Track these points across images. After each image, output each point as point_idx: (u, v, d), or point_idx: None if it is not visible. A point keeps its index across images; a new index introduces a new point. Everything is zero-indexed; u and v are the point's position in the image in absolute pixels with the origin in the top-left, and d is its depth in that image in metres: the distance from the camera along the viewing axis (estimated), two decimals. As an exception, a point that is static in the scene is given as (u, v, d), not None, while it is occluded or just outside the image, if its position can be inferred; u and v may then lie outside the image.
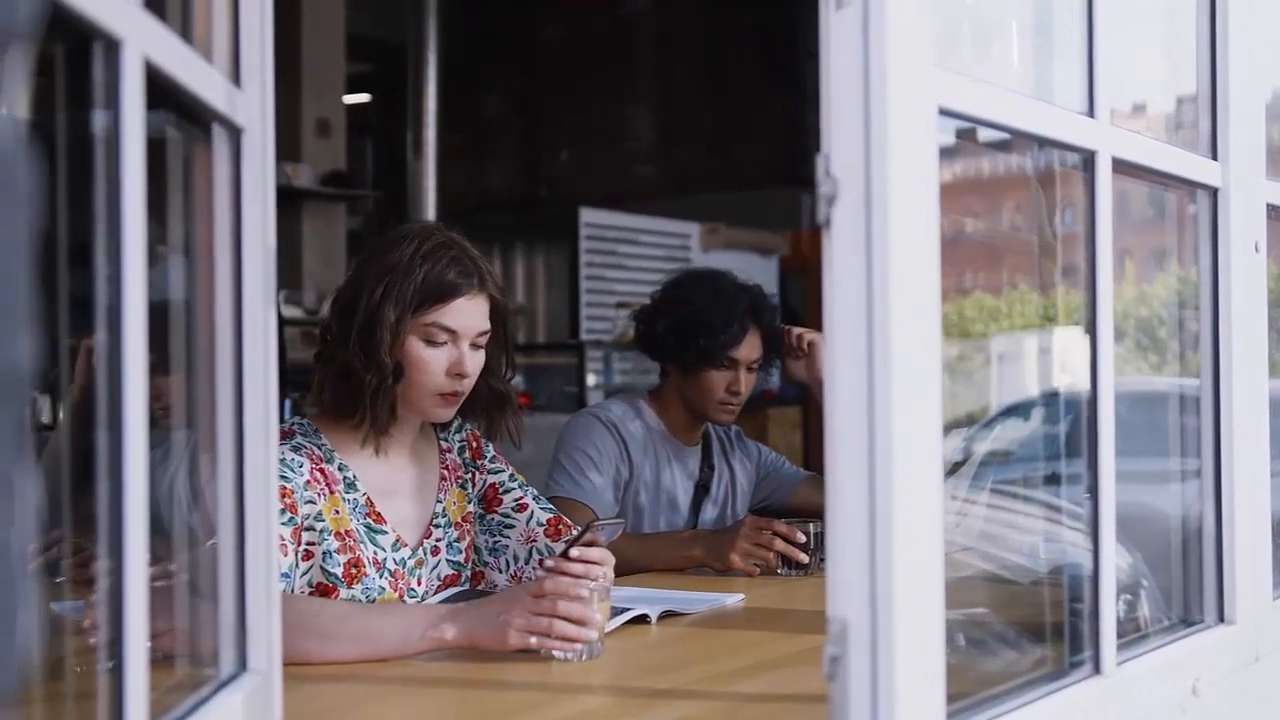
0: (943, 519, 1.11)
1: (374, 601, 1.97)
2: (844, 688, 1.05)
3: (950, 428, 1.72)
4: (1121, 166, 1.44)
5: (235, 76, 1.18)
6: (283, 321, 6.01)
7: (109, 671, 0.89)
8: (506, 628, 1.70)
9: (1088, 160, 1.39)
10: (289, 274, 6.64)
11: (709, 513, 2.95)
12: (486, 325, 2.03)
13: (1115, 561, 1.52)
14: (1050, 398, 1.81)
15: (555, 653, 1.71)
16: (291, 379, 5.49)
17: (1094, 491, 1.39)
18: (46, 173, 0.93)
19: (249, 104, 1.19)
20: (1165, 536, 1.78)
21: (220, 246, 1.18)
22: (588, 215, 7.91)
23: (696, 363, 2.80)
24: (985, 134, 1.40)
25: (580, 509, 2.65)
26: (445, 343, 2.00)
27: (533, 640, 1.70)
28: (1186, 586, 1.69)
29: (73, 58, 0.91)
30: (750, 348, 2.82)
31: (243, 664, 1.18)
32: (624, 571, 2.52)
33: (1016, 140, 1.47)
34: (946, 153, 1.37)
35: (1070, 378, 1.63)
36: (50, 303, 0.98)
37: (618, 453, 2.81)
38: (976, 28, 1.58)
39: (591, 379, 7.01)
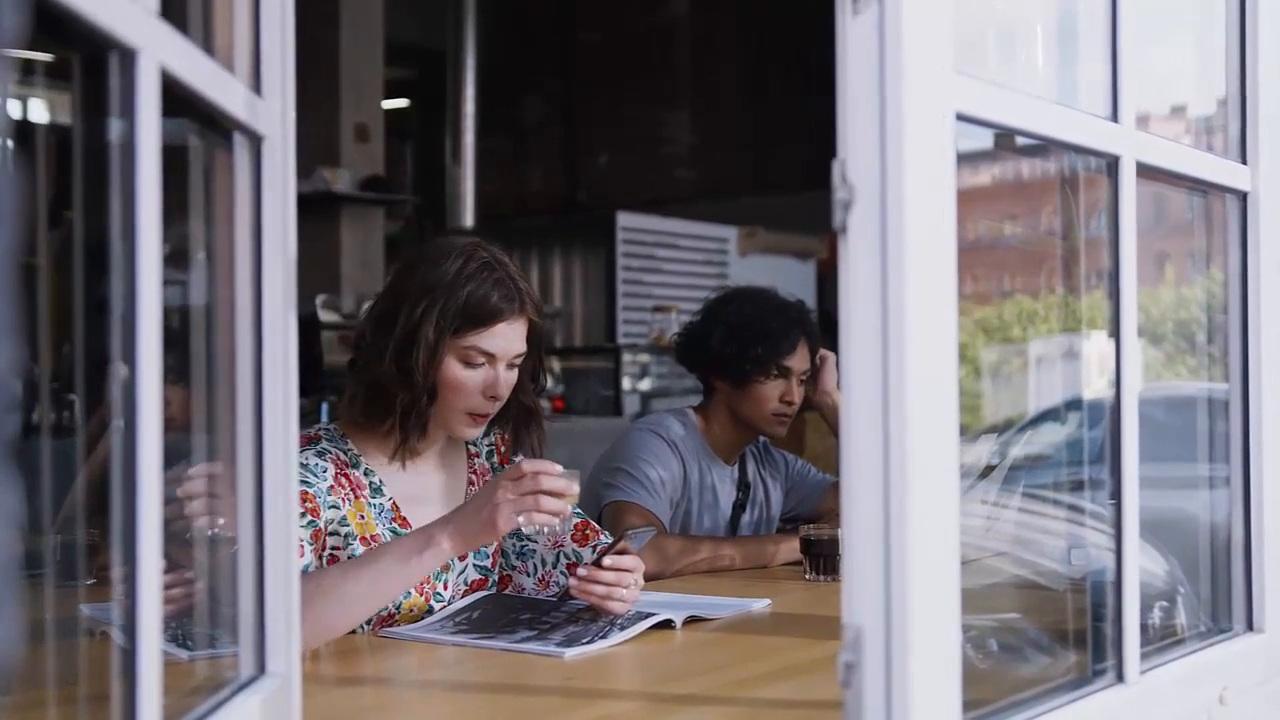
0: (959, 525, 1.10)
1: (398, 604, 1.98)
2: (859, 695, 1.04)
3: (986, 431, 1.71)
4: (1146, 171, 1.42)
5: (256, 85, 1.19)
6: (321, 325, 6.07)
7: (123, 675, 0.90)
8: (496, 512, 1.80)
9: (1111, 165, 1.38)
10: (327, 279, 6.69)
11: (745, 529, 2.95)
12: (524, 347, 2.04)
13: (1149, 568, 1.51)
14: (1086, 402, 1.79)
15: (533, 528, 1.83)
16: (328, 382, 5.54)
17: (1117, 496, 1.38)
18: (62, 182, 0.95)
19: (270, 112, 1.20)
20: (1196, 543, 1.77)
21: (241, 253, 1.19)
22: (625, 219, 7.93)
23: (752, 373, 2.80)
24: (1020, 138, 1.39)
25: (644, 513, 2.67)
26: (483, 364, 2.00)
27: (520, 518, 1.80)
28: (1215, 594, 1.68)
29: (90, 68, 0.92)
30: (802, 357, 2.85)
31: (261, 667, 1.18)
32: (665, 572, 2.54)
33: (1051, 145, 1.46)
34: (985, 156, 1.37)
35: (1105, 382, 1.62)
36: (70, 307, 1.00)
37: (681, 474, 2.82)
38: (1002, 33, 1.57)
39: (628, 382, 7.02)
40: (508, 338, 2.00)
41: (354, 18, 7.02)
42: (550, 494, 1.81)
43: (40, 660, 1.05)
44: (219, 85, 1.08)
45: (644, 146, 9.57)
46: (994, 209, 1.64)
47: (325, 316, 6.14)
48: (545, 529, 1.84)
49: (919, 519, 1.04)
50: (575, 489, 1.86)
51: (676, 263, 8.02)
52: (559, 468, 1.85)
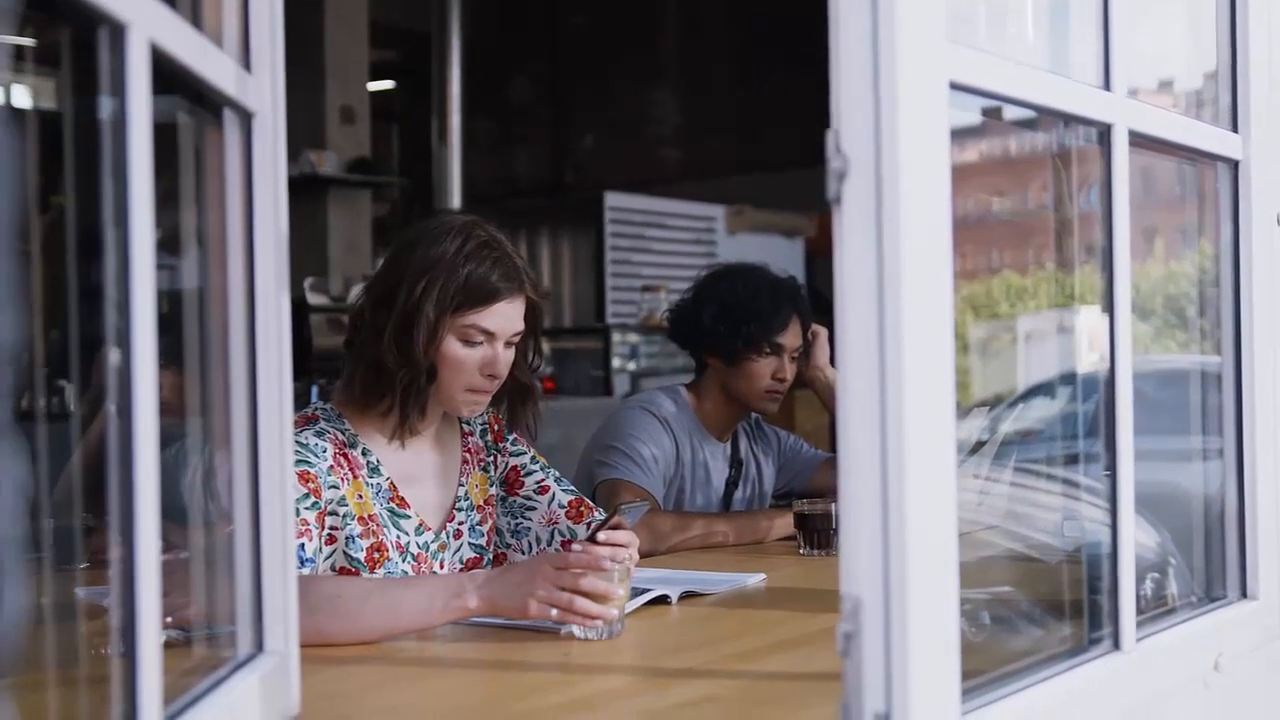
0: (956, 496, 1.10)
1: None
2: (858, 664, 1.04)
3: (977, 407, 1.72)
4: (1139, 140, 1.42)
5: (246, 61, 1.19)
6: (309, 309, 6.05)
7: (123, 654, 0.90)
8: (528, 598, 1.71)
9: (1104, 134, 1.38)
10: (315, 261, 6.67)
11: (738, 506, 2.96)
12: (522, 326, 2.04)
13: (1141, 539, 1.51)
14: (1076, 376, 1.80)
15: (575, 630, 1.72)
16: (317, 365, 5.53)
17: (1112, 468, 1.38)
18: (56, 161, 0.94)
19: (260, 88, 1.20)
20: (1191, 513, 1.78)
21: (233, 231, 1.19)
22: (613, 199, 7.92)
23: (744, 350, 2.81)
24: (1013, 112, 1.39)
25: (637, 490, 2.67)
26: (481, 343, 2.00)
27: (553, 613, 1.70)
28: (1209, 562, 1.68)
29: (79, 46, 0.91)
30: (795, 334, 2.85)
31: (259, 645, 1.18)
32: (658, 549, 2.55)
33: (1043, 118, 1.46)
34: (973, 131, 1.36)
35: (1096, 356, 1.63)
36: (61, 292, 0.99)
37: (673, 451, 2.82)
38: (992, 6, 1.57)
39: (617, 362, 7.02)
40: (507, 316, 2.00)
41: (338, 0, 6.99)
42: (589, 595, 1.70)
43: (40, 643, 1.05)
44: (209, 60, 1.07)
45: (631, 127, 9.55)
46: (981, 185, 1.64)
47: (313, 299, 6.13)
48: (587, 632, 1.72)
49: (917, 489, 1.04)
50: (621, 592, 1.73)
51: (665, 242, 8.01)
52: (609, 563, 1.72)
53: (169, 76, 1.00)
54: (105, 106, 0.91)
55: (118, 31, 0.89)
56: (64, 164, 0.98)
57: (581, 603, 1.70)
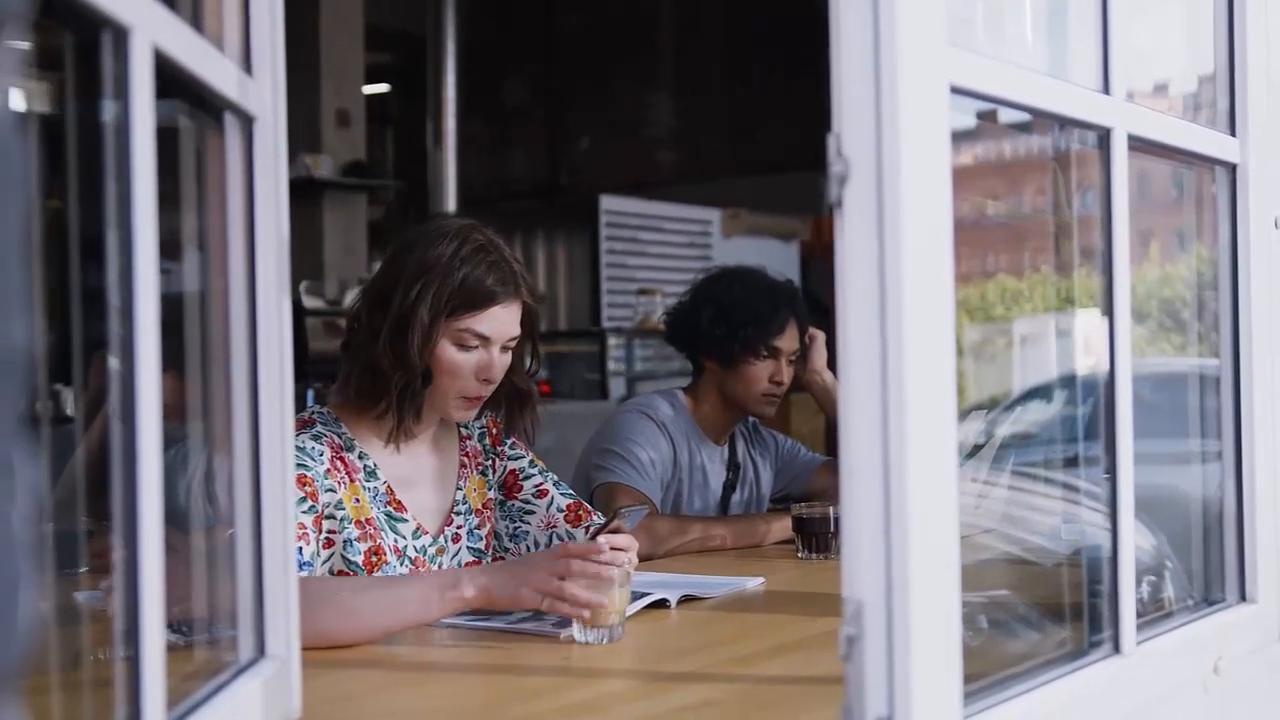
0: (957, 499, 1.10)
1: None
2: (860, 668, 1.04)
3: (973, 410, 1.72)
4: (1137, 143, 1.42)
5: (246, 65, 1.19)
6: (305, 312, 6.05)
7: (126, 659, 0.90)
8: (521, 586, 1.73)
9: (1103, 137, 1.38)
10: (310, 265, 6.67)
11: (735, 509, 2.96)
12: (518, 330, 2.03)
13: (1138, 542, 1.52)
14: (1073, 380, 1.80)
15: (575, 633, 1.72)
16: (313, 369, 5.52)
17: (1112, 471, 1.38)
18: (58, 164, 0.94)
19: (261, 92, 1.20)
20: (1188, 517, 1.78)
21: (234, 235, 1.19)
22: (608, 202, 7.92)
23: (741, 353, 2.81)
24: (1007, 115, 1.39)
25: (635, 494, 2.67)
26: (476, 347, 2.00)
27: (544, 603, 1.72)
28: (1208, 566, 1.68)
29: (82, 48, 0.91)
30: (792, 337, 2.85)
31: (261, 650, 1.18)
32: (657, 553, 2.55)
33: (1038, 122, 1.46)
34: (968, 135, 1.36)
35: (1093, 359, 1.63)
36: (64, 295, 0.99)
37: (671, 455, 2.82)
38: (991, 9, 1.57)
39: (612, 366, 7.02)
40: (502, 320, 2.00)
41: (333, 2, 6.99)
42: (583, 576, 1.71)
43: (43, 647, 1.05)
44: (211, 65, 1.07)
45: (626, 129, 9.56)
46: (976, 188, 1.64)
47: (309, 303, 6.13)
48: (587, 636, 1.72)
49: (918, 493, 1.04)
50: (621, 596, 1.73)
51: (660, 245, 8.01)
52: (605, 553, 1.73)
53: (170, 80, 1.00)
54: (108, 110, 0.91)
55: (120, 35, 0.89)
56: (66, 168, 0.98)
57: (572, 588, 1.70)
